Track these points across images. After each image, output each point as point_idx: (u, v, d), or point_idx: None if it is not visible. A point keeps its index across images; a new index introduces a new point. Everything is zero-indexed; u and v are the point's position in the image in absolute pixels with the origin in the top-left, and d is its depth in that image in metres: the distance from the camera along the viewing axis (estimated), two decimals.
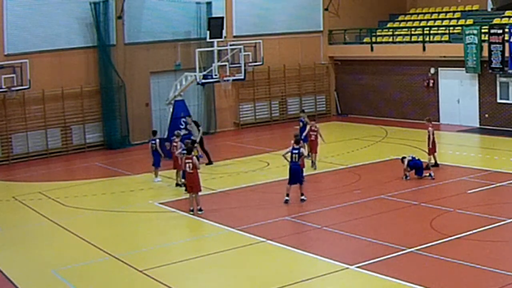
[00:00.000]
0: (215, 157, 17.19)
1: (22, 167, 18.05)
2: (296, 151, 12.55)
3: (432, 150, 14.97)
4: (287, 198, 12.67)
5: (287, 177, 12.65)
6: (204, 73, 17.88)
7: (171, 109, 18.44)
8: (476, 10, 22.52)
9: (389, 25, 24.30)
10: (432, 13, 23.79)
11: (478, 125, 20.41)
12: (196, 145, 14.30)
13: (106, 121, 20.02)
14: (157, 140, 15.12)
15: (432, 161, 14.95)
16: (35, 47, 18.85)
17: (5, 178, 16.63)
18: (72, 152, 19.52)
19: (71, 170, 17.80)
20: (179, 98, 18.41)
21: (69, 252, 10.59)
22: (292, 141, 12.76)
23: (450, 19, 22.69)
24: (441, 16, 23.30)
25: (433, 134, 14.84)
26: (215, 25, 18.53)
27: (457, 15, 22.69)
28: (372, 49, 23.11)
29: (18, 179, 16.57)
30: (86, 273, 9.64)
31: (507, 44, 19.00)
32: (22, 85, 18.22)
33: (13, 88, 18.07)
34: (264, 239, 10.58)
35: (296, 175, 12.55)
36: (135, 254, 10.29)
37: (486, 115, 20.24)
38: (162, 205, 13.17)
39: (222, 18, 19.27)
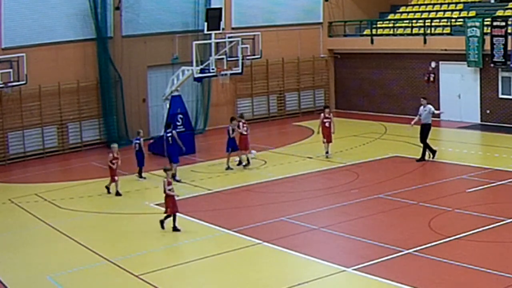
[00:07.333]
0: (211, 155, 17.01)
1: (18, 168, 17.89)
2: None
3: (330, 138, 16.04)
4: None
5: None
6: (201, 66, 17.56)
7: (167, 105, 18.23)
8: (479, 2, 22.09)
9: (390, 16, 23.94)
10: (434, 4, 23.39)
11: (479, 121, 20.12)
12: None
13: (103, 118, 19.74)
14: (141, 140, 15.38)
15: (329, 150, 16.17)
16: (32, 40, 18.49)
17: (1, 179, 16.50)
18: (68, 151, 19.25)
19: (67, 170, 17.65)
20: (175, 93, 18.15)
21: (65, 257, 10.51)
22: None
23: (452, 10, 22.30)
24: (443, 7, 22.91)
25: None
26: (213, 16, 18.01)
27: (459, 6, 22.30)
28: (372, 41, 22.80)
29: (14, 181, 16.46)
30: (82, 279, 9.57)
31: (510, 38, 18.67)
32: (19, 80, 17.91)
33: (9, 84, 17.74)
34: (260, 241, 10.52)
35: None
36: (131, 258, 10.22)
37: (488, 111, 19.97)
38: (158, 206, 13.05)
39: (220, 9, 18.80)
